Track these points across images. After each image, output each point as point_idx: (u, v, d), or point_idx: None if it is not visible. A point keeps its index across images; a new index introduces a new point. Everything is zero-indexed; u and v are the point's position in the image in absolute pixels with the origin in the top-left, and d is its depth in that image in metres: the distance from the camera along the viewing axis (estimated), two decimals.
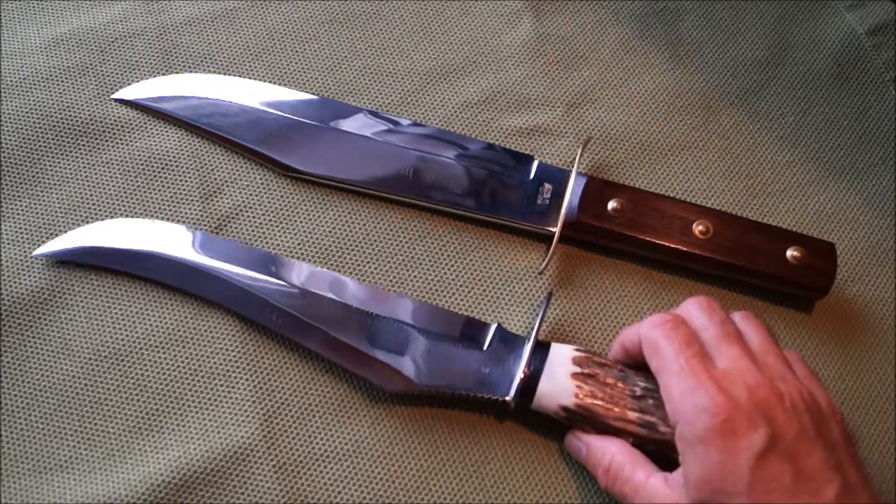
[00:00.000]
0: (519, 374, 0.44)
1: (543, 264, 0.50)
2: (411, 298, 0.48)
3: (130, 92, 0.53)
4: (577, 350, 0.45)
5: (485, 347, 0.46)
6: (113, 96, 0.53)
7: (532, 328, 0.47)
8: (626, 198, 0.49)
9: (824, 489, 0.37)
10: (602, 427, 0.44)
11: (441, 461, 0.46)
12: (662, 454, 0.44)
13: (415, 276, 0.50)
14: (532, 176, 0.51)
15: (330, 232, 0.51)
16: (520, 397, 0.44)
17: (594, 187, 0.50)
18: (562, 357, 0.45)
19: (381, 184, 0.51)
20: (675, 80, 0.56)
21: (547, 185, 0.50)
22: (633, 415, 0.43)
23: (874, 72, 0.57)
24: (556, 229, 0.49)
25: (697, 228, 0.49)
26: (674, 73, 0.56)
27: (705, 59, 0.57)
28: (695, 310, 0.43)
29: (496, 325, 0.47)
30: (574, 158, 0.52)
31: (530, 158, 0.51)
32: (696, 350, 0.41)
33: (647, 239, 0.49)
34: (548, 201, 0.50)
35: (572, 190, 0.49)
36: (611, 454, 0.43)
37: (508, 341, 0.46)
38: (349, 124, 0.52)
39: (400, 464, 0.46)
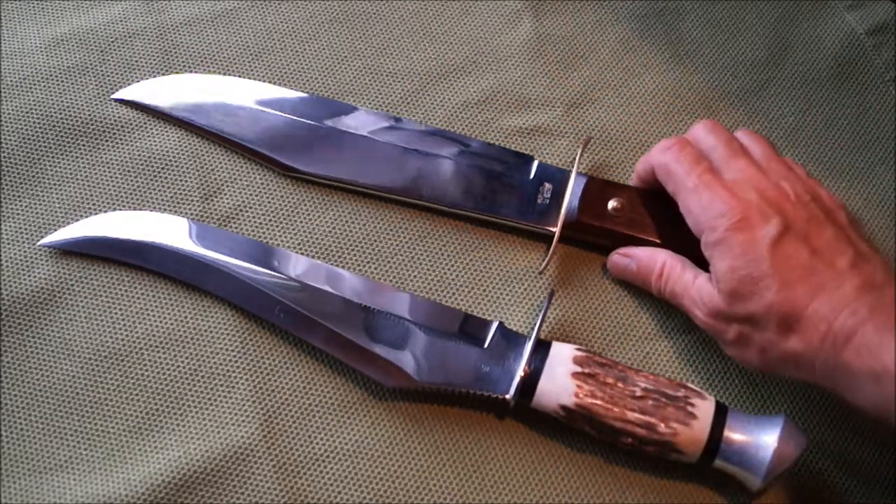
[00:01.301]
0: (519, 373, 0.44)
1: (543, 264, 0.50)
2: (413, 294, 0.48)
3: (130, 92, 0.53)
4: (578, 349, 0.45)
5: (486, 345, 0.46)
6: (113, 96, 0.53)
7: (533, 327, 0.47)
8: (626, 197, 0.49)
9: (839, 259, 0.41)
10: (601, 427, 0.44)
11: (441, 461, 0.46)
12: (662, 455, 0.44)
13: (415, 276, 0.50)
14: (532, 175, 0.51)
15: (330, 232, 0.51)
16: (520, 396, 0.44)
17: (594, 187, 0.50)
18: (562, 356, 0.45)
19: (382, 184, 0.51)
20: (675, 80, 0.56)
21: (547, 185, 0.50)
22: (632, 415, 0.43)
23: (874, 72, 0.57)
24: (556, 229, 0.49)
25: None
26: (674, 73, 0.56)
27: (705, 59, 0.57)
28: (702, 132, 0.47)
29: (497, 322, 0.47)
30: (574, 158, 0.52)
31: (530, 158, 0.51)
32: (706, 166, 0.45)
33: (648, 238, 0.49)
34: (548, 201, 0.50)
35: (572, 190, 0.49)
36: (662, 260, 0.47)
37: (509, 339, 0.46)
38: (349, 123, 0.52)
39: (400, 464, 0.46)
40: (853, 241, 0.42)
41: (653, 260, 0.47)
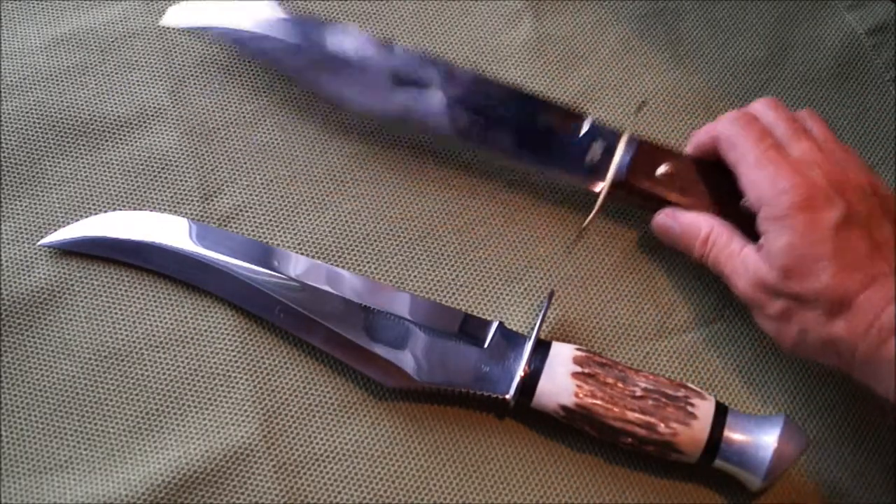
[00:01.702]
0: (519, 373, 0.44)
1: (586, 221, 0.49)
2: (413, 294, 0.48)
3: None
4: (578, 349, 0.45)
5: (485, 345, 0.46)
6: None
7: (533, 327, 0.47)
8: (677, 164, 0.49)
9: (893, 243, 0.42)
10: (601, 427, 0.44)
11: (441, 461, 0.46)
12: (662, 455, 0.44)
13: (415, 276, 0.50)
14: (584, 132, 0.50)
15: (330, 232, 0.51)
16: (520, 396, 0.44)
17: (646, 150, 0.49)
18: (562, 356, 0.45)
19: (430, 122, 0.50)
20: (676, 80, 0.56)
21: (598, 142, 0.50)
22: (632, 415, 0.43)
23: (874, 72, 0.57)
24: (605, 184, 0.49)
25: (747, 202, 0.47)
26: (674, 73, 0.56)
27: (705, 59, 0.57)
28: (763, 108, 0.47)
29: (497, 322, 0.47)
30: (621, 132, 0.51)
31: (583, 115, 0.51)
32: (772, 142, 0.45)
33: (694, 207, 0.48)
34: (598, 158, 0.49)
35: (623, 149, 0.49)
36: (709, 225, 0.46)
37: (509, 339, 0.46)
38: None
39: (400, 464, 0.46)
40: None
41: (699, 224, 0.47)
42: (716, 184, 0.48)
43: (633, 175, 0.49)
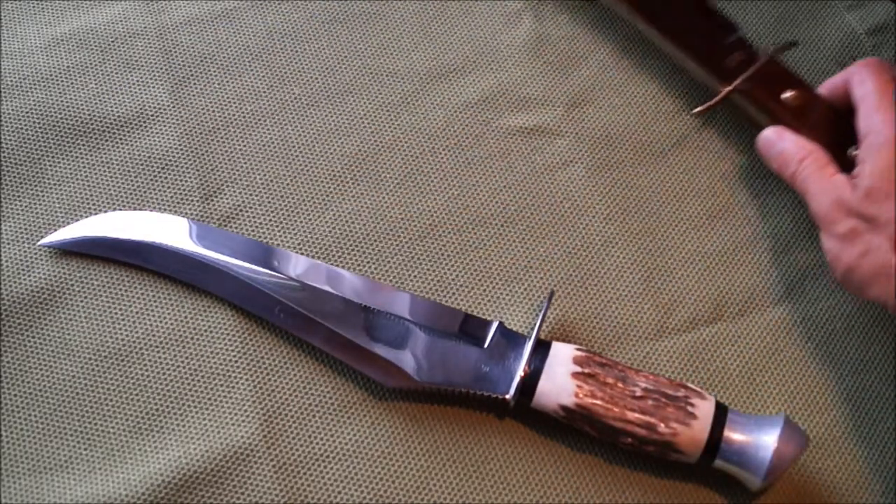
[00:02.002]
0: (519, 373, 0.44)
1: (699, 108, 0.52)
2: (413, 294, 0.48)
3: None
4: (578, 349, 0.45)
5: (486, 345, 0.46)
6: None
7: (533, 327, 0.47)
8: (803, 96, 0.51)
9: None
10: (601, 427, 0.44)
11: (441, 461, 0.46)
12: (662, 455, 0.44)
13: (415, 276, 0.50)
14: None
15: (330, 232, 0.51)
16: (520, 396, 0.44)
17: (778, 70, 0.51)
18: (562, 356, 0.45)
19: None
20: (675, 80, 0.56)
21: (741, 53, 0.52)
22: (632, 415, 0.43)
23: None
24: (736, 82, 0.51)
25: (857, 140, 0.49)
26: (674, 73, 0.56)
27: None
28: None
29: (497, 322, 0.47)
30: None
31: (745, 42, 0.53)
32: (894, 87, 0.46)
33: (805, 135, 0.49)
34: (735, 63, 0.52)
35: (761, 58, 0.51)
36: (812, 148, 0.48)
37: (509, 339, 0.46)
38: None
39: (400, 464, 0.46)
40: None
41: (802, 145, 0.48)
42: (833, 129, 0.49)
43: (759, 86, 0.51)
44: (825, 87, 0.51)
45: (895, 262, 0.42)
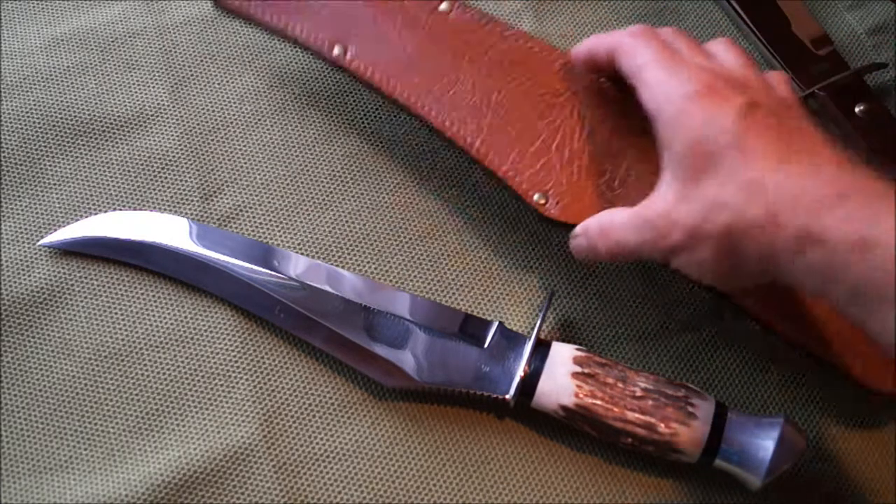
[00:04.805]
0: (519, 373, 0.44)
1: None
2: (413, 294, 0.48)
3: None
4: (578, 349, 0.45)
5: (486, 345, 0.46)
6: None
7: (533, 327, 0.47)
8: (873, 109, 0.52)
9: (816, 135, 0.38)
10: (601, 427, 0.44)
11: (441, 461, 0.46)
12: (662, 455, 0.44)
13: (415, 276, 0.50)
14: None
15: (330, 232, 0.51)
16: (520, 396, 0.44)
17: (859, 84, 0.54)
18: (562, 356, 0.45)
19: None
20: None
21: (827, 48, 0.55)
22: (632, 415, 0.43)
23: (874, 72, 0.57)
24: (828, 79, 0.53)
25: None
26: None
27: None
28: (667, 33, 0.43)
29: (497, 322, 0.47)
30: None
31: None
32: (673, 50, 0.41)
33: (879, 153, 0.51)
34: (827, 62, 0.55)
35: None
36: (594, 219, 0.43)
37: (509, 339, 0.46)
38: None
39: (400, 464, 0.46)
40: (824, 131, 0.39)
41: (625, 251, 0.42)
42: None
43: (837, 98, 0.53)
44: (583, 57, 0.45)
45: (753, 216, 0.36)
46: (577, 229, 0.44)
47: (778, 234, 0.35)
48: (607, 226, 0.42)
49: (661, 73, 0.40)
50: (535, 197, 0.46)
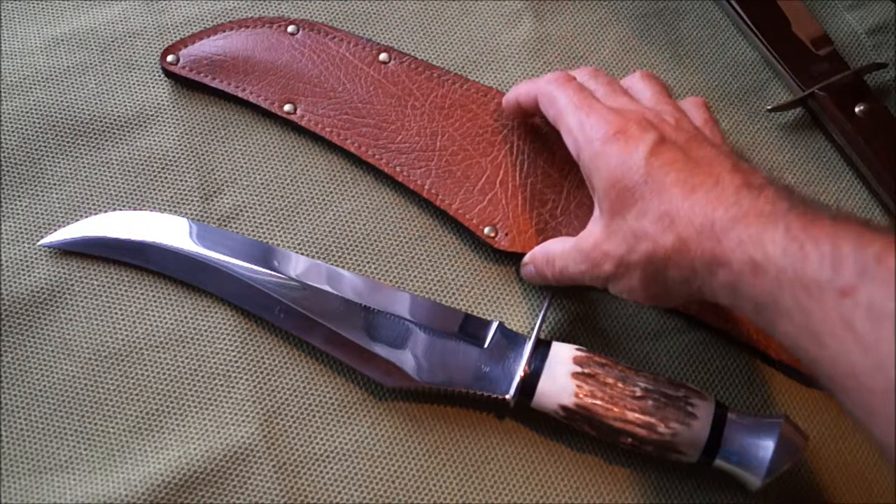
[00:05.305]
0: (519, 373, 0.44)
1: (779, 104, 0.54)
2: (413, 294, 0.48)
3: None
4: (579, 349, 0.45)
5: (485, 345, 0.46)
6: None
7: (533, 327, 0.47)
8: (873, 111, 0.52)
9: (717, 166, 0.40)
10: (601, 427, 0.44)
11: (441, 461, 0.46)
12: (662, 455, 0.44)
13: (415, 276, 0.50)
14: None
15: (330, 232, 0.51)
16: (520, 396, 0.45)
17: (858, 81, 0.54)
18: (562, 356, 0.45)
19: None
20: (675, 80, 0.56)
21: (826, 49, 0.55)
22: (632, 415, 0.43)
23: (875, 72, 0.57)
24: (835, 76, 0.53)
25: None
26: (674, 73, 0.56)
27: (705, 59, 0.57)
28: (584, 75, 0.47)
29: (497, 322, 0.47)
30: None
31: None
32: (589, 93, 0.45)
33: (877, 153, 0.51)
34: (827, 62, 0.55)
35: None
36: (540, 250, 0.47)
37: (509, 339, 0.46)
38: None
39: (400, 464, 0.46)
40: (732, 155, 0.41)
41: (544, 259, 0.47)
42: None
43: (837, 97, 0.53)
44: (512, 106, 0.49)
45: (669, 244, 0.39)
46: (526, 258, 0.48)
47: (692, 258, 0.38)
48: (551, 255, 0.46)
49: (576, 118, 0.44)
50: (486, 230, 0.49)
